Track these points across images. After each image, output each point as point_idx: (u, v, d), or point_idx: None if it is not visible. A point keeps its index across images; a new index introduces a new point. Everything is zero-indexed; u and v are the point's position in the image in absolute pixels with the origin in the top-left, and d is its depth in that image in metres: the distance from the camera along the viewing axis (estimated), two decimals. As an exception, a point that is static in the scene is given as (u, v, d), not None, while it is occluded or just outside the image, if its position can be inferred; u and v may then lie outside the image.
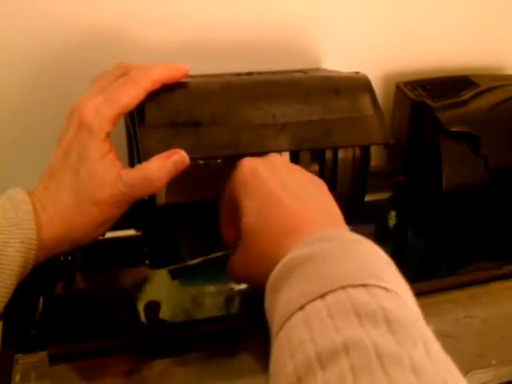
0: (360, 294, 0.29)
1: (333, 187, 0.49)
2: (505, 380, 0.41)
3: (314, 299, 0.29)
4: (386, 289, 0.29)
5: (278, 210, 0.38)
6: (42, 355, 0.40)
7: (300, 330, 0.28)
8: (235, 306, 0.50)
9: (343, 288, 0.29)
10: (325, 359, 0.26)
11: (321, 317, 0.28)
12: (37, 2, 0.52)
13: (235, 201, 0.41)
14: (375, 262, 0.32)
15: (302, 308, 0.29)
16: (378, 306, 0.28)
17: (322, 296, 0.29)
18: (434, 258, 0.60)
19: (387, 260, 0.33)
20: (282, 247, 0.36)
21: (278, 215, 0.38)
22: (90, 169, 0.42)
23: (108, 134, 0.43)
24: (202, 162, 0.46)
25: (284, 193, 0.39)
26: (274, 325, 0.31)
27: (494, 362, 0.42)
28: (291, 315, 0.29)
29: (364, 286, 0.29)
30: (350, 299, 0.28)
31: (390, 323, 0.27)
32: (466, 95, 0.62)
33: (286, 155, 0.47)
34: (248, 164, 0.41)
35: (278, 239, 0.37)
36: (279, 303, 0.32)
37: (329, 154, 0.49)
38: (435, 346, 0.27)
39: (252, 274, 0.40)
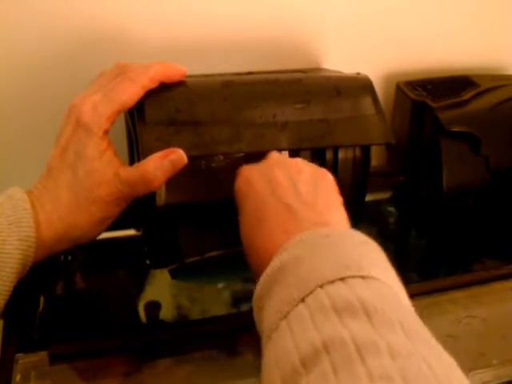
0: (337, 289, 0.29)
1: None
2: (505, 380, 0.41)
3: (297, 305, 0.29)
4: (362, 277, 0.30)
5: (263, 224, 0.38)
6: (42, 355, 0.40)
7: (284, 338, 0.29)
8: (236, 305, 0.50)
9: (321, 287, 0.29)
10: (308, 362, 0.26)
11: (302, 320, 0.28)
12: (36, 2, 0.52)
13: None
14: (349, 249, 0.32)
15: (285, 316, 0.30)
16: (355, 297, 0.28)
17: (303, 299, 0.29)
18: (435, 258, 0.60)
19: (363, 240, 0.34)
20: (266, 260, 0.36)
21: (262, 232, 0.38)
22: (88, 167, 0.42)
23: (106, 132, 0.42)
24: (202, 162, 0.46)
25: (274, 203, 0.39)
26: (262, 341, 0.32)
27: (494, 361, 0.42)
28: (276, 327, 0.30)
29: (341, 279, 0.30)
30: (329, 296, 0.29)
31: (367, 312, 0.27)
32: (467, 95, 0.62)
33: (286, 154, 0.47)
34: (244, 174, 0.42)
35: (264, 255, 0.37)
36: (264, 319, 0.32)
37: (329, 154, 0.48)
38: (414, 325, 0.28)
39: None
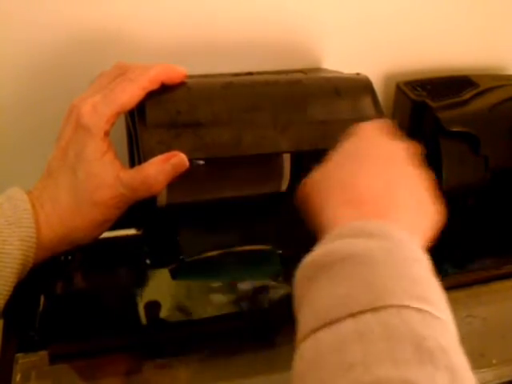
0: (415, 321, 0.26)
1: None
2: (505, 380, 0.41)
3: (366, 311, 0.26)
4: (434, 315, 0.27)
5: (357, 173, 0.38)
6: (43, 355, 0.40)
7: (353, 347, 0.25)
8: (236, 306, 0.50)
9: (397, 308, 0.27)
10: None
11: (374, 338, 0.25)
12: (36, 3, 0.52)
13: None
14: (419, 274, 0.30)
15: (353, 316, 0.26)
16: (436, 343, 0.25)
17: (374, 310, 0.26)
18: (434, 257, 0.60)
19: (428, 267, 0.32)
20: (335, 209, 0.35)
21: (355, 176, 0.37)
22: (88, 168, 0.41)
23: (106, 133, 0.42)
24: (202, 163, 0.46)
25: (375, 168, 0.38)
26: (306, 320, 0.28)
27: (494, 361, 0.42)
28: (337, 320, 0.27)
29: (418, 310, 0.27)
30: (407, 325, 0.26)
31: (451, 369, 0.25)
32: (466, 95, 0.62)
33: None
34: (369, 127, 0.42)
35: (338, 196, 0.36)
36: (317, 298, 0.29)
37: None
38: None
39: (310, 206, 0.38)
